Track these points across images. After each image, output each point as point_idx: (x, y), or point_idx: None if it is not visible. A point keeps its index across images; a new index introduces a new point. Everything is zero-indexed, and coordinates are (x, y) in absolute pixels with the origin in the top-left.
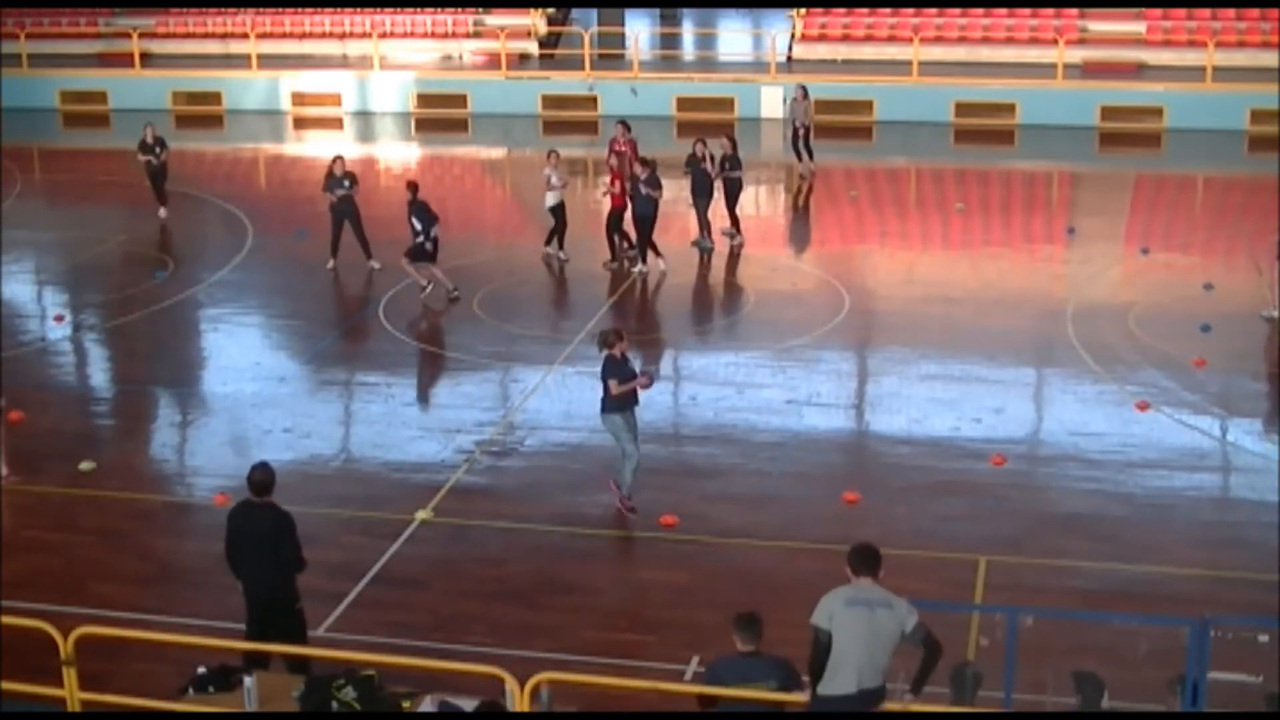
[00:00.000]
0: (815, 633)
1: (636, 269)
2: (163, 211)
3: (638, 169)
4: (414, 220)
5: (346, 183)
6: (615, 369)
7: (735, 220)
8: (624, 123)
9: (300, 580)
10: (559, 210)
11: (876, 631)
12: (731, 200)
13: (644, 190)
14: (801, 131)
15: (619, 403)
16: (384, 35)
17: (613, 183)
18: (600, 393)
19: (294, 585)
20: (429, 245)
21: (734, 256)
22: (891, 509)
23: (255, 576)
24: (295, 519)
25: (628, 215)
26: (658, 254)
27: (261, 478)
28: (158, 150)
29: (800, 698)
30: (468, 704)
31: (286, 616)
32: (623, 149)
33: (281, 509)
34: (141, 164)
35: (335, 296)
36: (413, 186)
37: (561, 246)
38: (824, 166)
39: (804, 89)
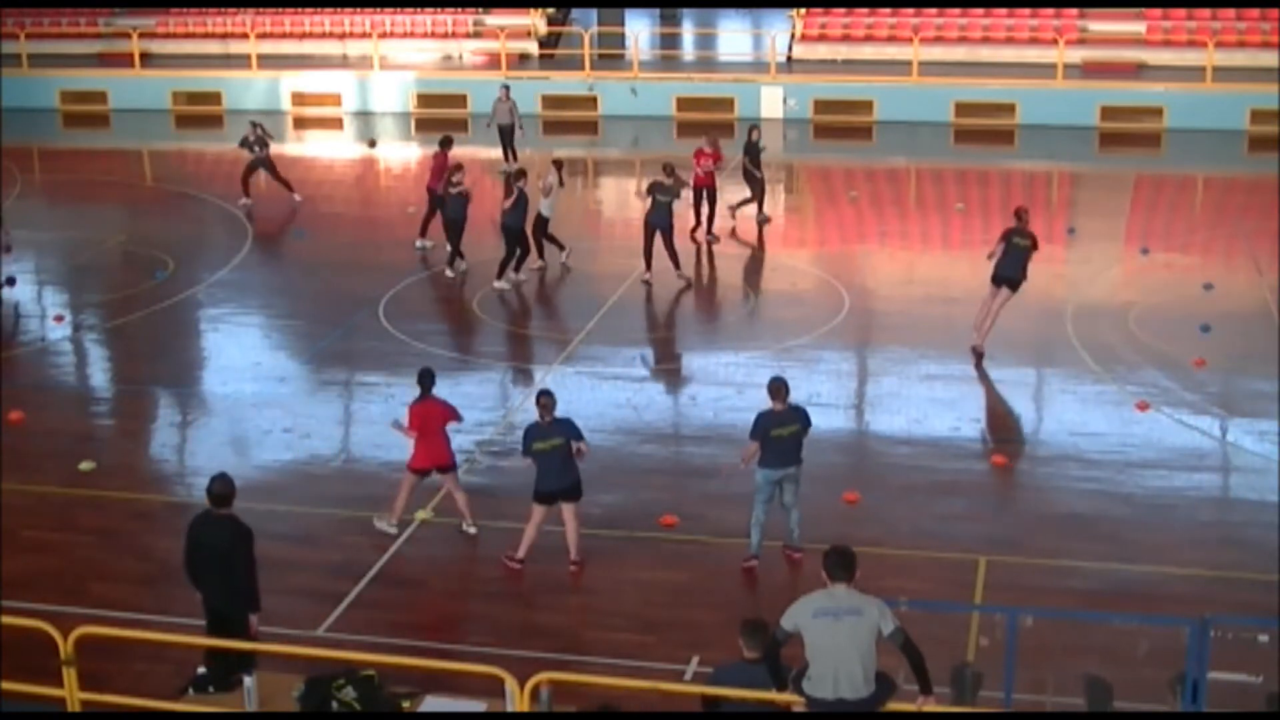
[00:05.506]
0: (775, 630)
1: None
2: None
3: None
4: None
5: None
6: (759, 421)
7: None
8: (506, 85)
9: (300, 580)
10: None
11: (843, 641)
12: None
13: (454, 191)
14: (502, 131)
15: (766, 456)
16: (384, 35)
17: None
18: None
19: (254, 599)
20: None
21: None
22: (891, 509)
23: (212, 589)
24: (292, 520)
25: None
26: (517, 267)
27: (220, 489)
28: (257, 148)
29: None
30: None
31: (241, 630)
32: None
33: (241, 522)
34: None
35: (335, 296)
36: None
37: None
38: (824, 166)
39: (506, 88)
